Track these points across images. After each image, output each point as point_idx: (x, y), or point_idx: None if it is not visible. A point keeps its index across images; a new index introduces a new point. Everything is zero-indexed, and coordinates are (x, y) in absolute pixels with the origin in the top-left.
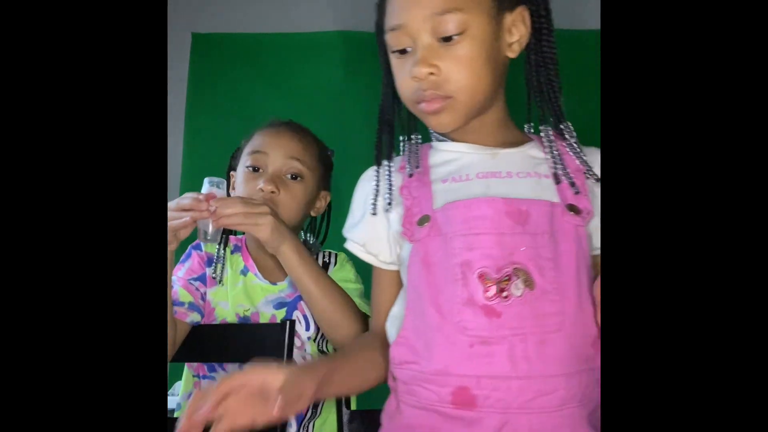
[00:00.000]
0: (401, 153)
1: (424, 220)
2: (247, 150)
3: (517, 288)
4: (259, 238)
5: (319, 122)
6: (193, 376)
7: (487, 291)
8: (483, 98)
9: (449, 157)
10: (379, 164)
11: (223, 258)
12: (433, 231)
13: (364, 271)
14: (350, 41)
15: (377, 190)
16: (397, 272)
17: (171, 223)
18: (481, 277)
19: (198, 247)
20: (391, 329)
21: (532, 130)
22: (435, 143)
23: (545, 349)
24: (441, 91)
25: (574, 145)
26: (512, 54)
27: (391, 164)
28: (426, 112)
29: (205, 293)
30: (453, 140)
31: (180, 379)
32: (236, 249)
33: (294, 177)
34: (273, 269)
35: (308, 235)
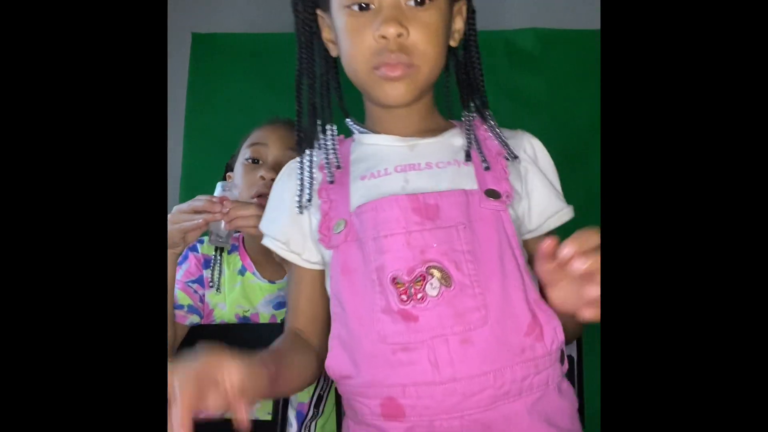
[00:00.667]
0: (327, 141)
1: (340, 225)
2: (246, 144)
3: (432, 287)
4: None
5: None
6: None
7: (401, 295)
8: (436, 75)
9: (369, 151)
10: (302, 154)
11: (219, 262)
12: (350, 236)
13: None
14: None
15: (301, 187)
16: (321, 272)
17: (182, 225)
18: (394, 281)
19: (194, 249)
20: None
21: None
22: (357, 136)
23: (469, 348)
24: (405, 58)
25: (495, 127)
26: (453, 42)
27: (313, 156)
28: (385, 78)
29: (203, 295)
30: (372, 132)
31: None
32: (233, 249)
33: None
34: (271, 267)
35: None
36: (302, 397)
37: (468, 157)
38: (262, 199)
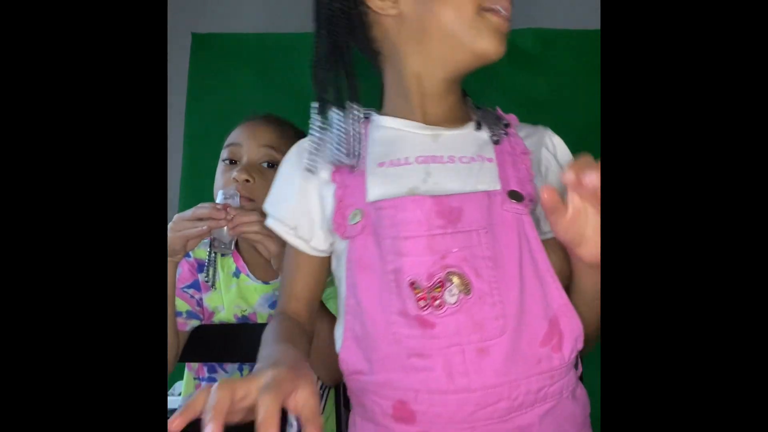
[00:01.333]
0: (341, 124)
1: (356, 216)
2: (224, 144)
3: (450, 294)
4: (269, 250)
5: None
6: (194, 378)
7: (419, 301)
8: None
9: (388, 135)
10: (325, 116)
11: (214, 261)
12: (367, 229)
13: None
14: None
15: (347, 139)
16: (326, 259)
17: (186, 232)
18: (412, 285)
19: (186, 254)
20: (338, 331)
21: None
22: (375, 117)
23: (485, 359)
24: (509, 7)
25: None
26: None
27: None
28: (499, 27)
29: (200, 299)
30: (391, 116)
31: (180, 378)
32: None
33: (270, 165)
34: (265, 268)
35: None
36: None
37: (478, 125)
38: (242, 200)
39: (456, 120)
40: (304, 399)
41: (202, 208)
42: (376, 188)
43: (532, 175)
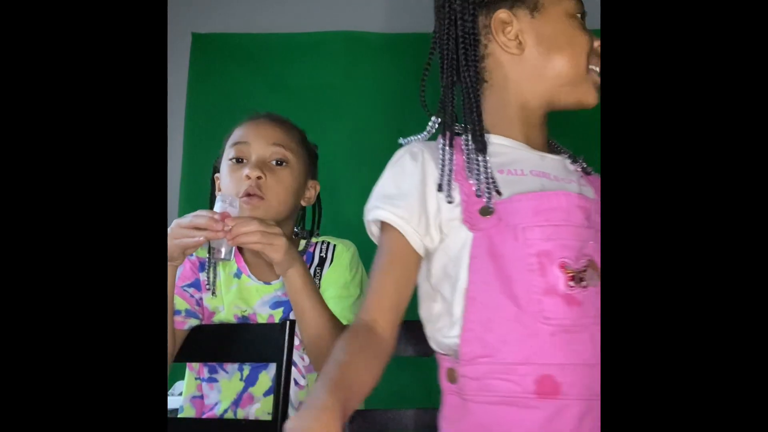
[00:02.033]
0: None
1: (487, 211)
2: (228, 144)
3: (592, 278)
4: (271, 258)
5: (320, 124)
6: (195, 378)
7: (569, 280)
8: None
9: (500, 150)
10: (447, 138)
11: (214, 267)
12: (502, 221)
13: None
14: (350, 41)
15: (446, 174)
16: (419, 263)
17: (183, 241)
18: (562, 266)
19: (190, 255)
20: (437, 329)
21: None
22: (488, 135)
23: None
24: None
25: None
26: None
27: (446, 142)
28: (596, 83)
29: (200, 299)
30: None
31: (180, 378)
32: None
33: (279, 163)
34: (266, 269)
35: (299, 226)
36: (303, 395)
37: (574, 160)
38: (250, 198)
39: (550, 150)
40: None
41: (200, 218)
42: (506, 188)
43: None
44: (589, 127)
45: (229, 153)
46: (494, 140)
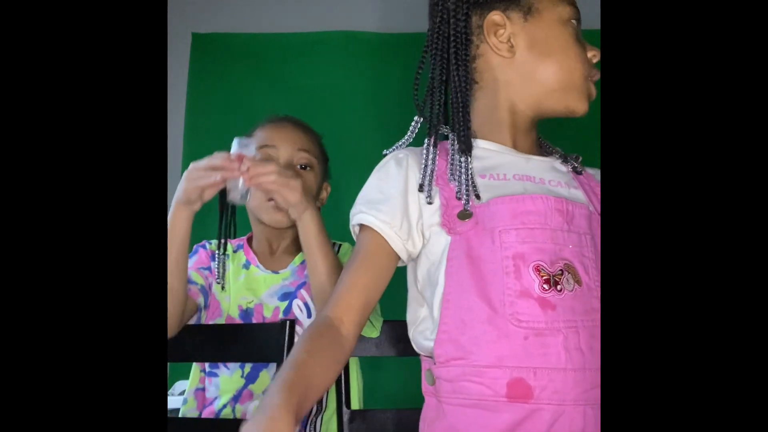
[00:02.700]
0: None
1: (466, 215)
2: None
3: (568, 282)
4: (288, 200)
5: (319, 122)
6: (201, 371)
7: (543, 283)
8: None
9: (484, 154)
10: (431, 138)
11: (224, 260)
12: (479, 225)
13: None
14: (350, 41)
15: (428, 175)
16: (395, 264)
17: (200, 182)
18: (537, 269)
19: (203, 246)
20: (419, 332)
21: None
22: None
23: (595, 342)
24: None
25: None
26: None
27: (431, 142)
28: (591, 94)
29: (211, 284)
30: (484, 139)
31: (181, 378)
32: (238, 248)
33: (303, 167)
34: (274, 260)
35: None
36: None
37: (565, 159)
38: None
39: (538, 153)
40: None
41: (216, 158)
42: (485, 193)
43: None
44: (589, 127)
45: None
46: (479, 144)
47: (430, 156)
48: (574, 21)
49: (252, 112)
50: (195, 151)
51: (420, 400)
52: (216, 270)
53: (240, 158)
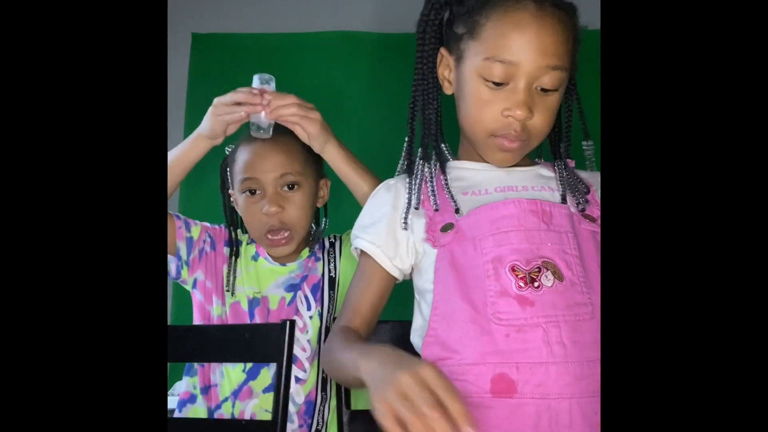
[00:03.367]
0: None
1: (447, 227)
2: (237, 177)
3: (547, 279)
4: (308, 132)
5: None
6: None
7: (519, 282)
8: (539, 143)
9: (466, 174)
10: (412, 173)
11: (234, 267)
12: (459, 236)
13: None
14: (350, 41)
15: (408, 205)
16: (393, 284)
17: (225, 117)
18: (513, 269)
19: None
20: (418, 337)
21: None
22: (452, 162)
23: (579, 335)
24: (524, 136)
25: (573, 172)
26: None
27: (418, 178)
28: (501, 147)
29: (203, 249)
30: (467, 160)
31: (180, 379)
32: (251, 241)
33: (291, 187)
34: (282, 256)
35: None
36: (306, 389)
37: (564, 200)
38: (274, 232)
39: (521, 164)
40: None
41: (239, 93)
42: (464, 208)
43: (597, 203)
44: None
45: (240, 187)
46: (458, 165)
47: (419, 170)
48: (492, 82)
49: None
50: None
51: None
52: (228, 260)
53: (262, 93)
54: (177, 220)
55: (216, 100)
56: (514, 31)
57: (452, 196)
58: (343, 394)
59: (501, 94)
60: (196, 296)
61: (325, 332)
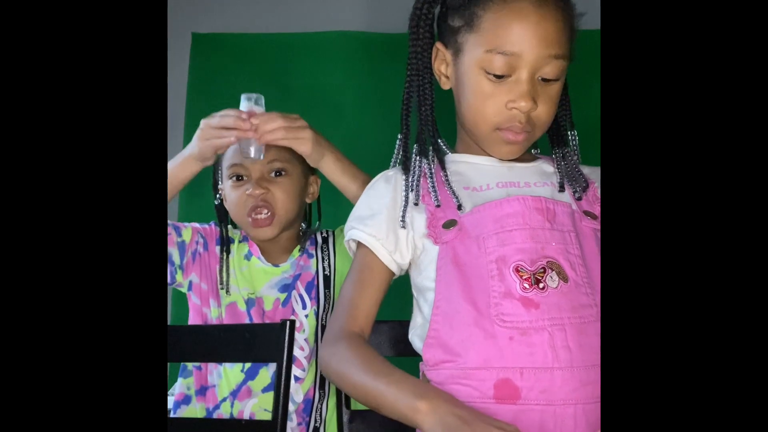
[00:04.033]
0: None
1: (450, 224)
2: (225, 164)
3: (552, 280)
4: (301, 152)
5: (319, 122)
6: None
7: (523, 283)
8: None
9: (465, 168)
10: (408, 170)
11: (227, 264)
12: (462, 233)
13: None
14: (350, 41)
15: (406, 203)
16: (391, 276)
17: (214, 141)
18: (517, 270)
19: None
20: (417, 336)
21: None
22: (451, 155)
23: (584, 339)
24: (529, 126)
25: (575, 164)
26: None
27: (416, 172)
28: (506, 140)
29: (197, 251)
30: (467, 153)
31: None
32: (244, 239)
33: (278, 173)
34: (275, 253)
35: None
36: (305, 388)
37: (561, 188)
38: (256, 211)
39: (522, 160)
40: None
41: (227, 117)
42: (466, 203)
43: (599, 199)
44: (589, 127)
45: (228, 173)
46: (457, 158)
47: (416, 164)
48: (492, 74)
49: None
50: None
51: None
52: (219, 257)
53: (250, 115)
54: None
55: (203, 123)
56: (514, 21)
57: (454, 192)
58: (343, 394)
59: (503, 86)
60: (192, 299)
61: (321, 330)
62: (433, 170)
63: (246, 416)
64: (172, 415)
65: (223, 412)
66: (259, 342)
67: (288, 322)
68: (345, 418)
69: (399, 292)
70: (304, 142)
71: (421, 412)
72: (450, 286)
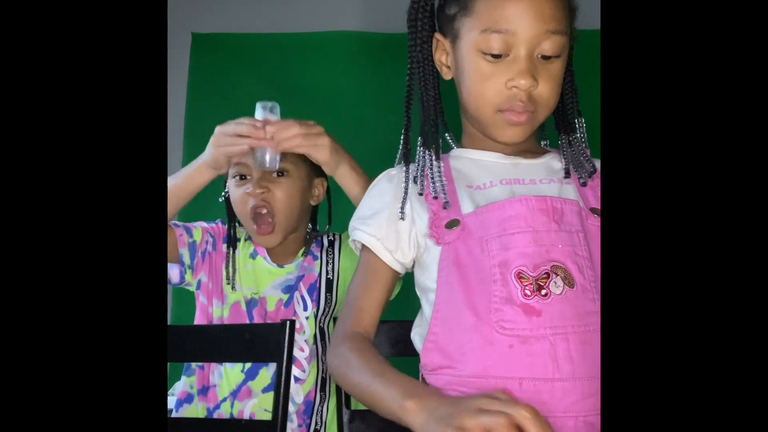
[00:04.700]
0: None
1: (453, 224)
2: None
3: (556, 286)
4: (318, 159)
5: (319, 121)
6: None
7: (525, 289)
8: (548, 116)
9: (470, 165)
10: (407, 163)
11: (233, 260)
12: (465, 234)
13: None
14: (351, 41)
15: (405, 193)
16: (396, 276)
17: (228, 149)
18: (518, 275)
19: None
20: (419, 335)
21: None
22: (456, 150)
23: (588, 349)
24: (531, 107)
25: (583, 151)
26: None
27: (418, 168)
28: (509, 122)
29: (206, 250)
30: (472, 148)
31: (179, 379)
32: (249, 238)
33: (280, 174)
34: (281, 254)
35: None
36: (305, 389)
37: (567, 174)
38: (260, 219)
39: (530, 153)
40: None
41: (242, 125)
42: (469, 203)
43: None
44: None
45: (232, 171)
46: (462, 154)
47: (420, 156)
48: (491, 54)
49: (252, 112)
50: (195, 151)
51: None
52: (226, 254)
53: (265, 123)
54: (177, 229)
55: (218, 130)
56: None
57: (457, 191)
58: (343, 395)
59: (502, 65)
60: (200, 298)
61: (319, 333)
62: (434, 163)
63: (246, 416)
64: (174, 413)
65: (224, 412)
66: (259, 342)
67: (288, 323)
68: (345, 418)
69: (400, 292)
70: (321, 149)
71: (410, 411)
72: (451, 289)
